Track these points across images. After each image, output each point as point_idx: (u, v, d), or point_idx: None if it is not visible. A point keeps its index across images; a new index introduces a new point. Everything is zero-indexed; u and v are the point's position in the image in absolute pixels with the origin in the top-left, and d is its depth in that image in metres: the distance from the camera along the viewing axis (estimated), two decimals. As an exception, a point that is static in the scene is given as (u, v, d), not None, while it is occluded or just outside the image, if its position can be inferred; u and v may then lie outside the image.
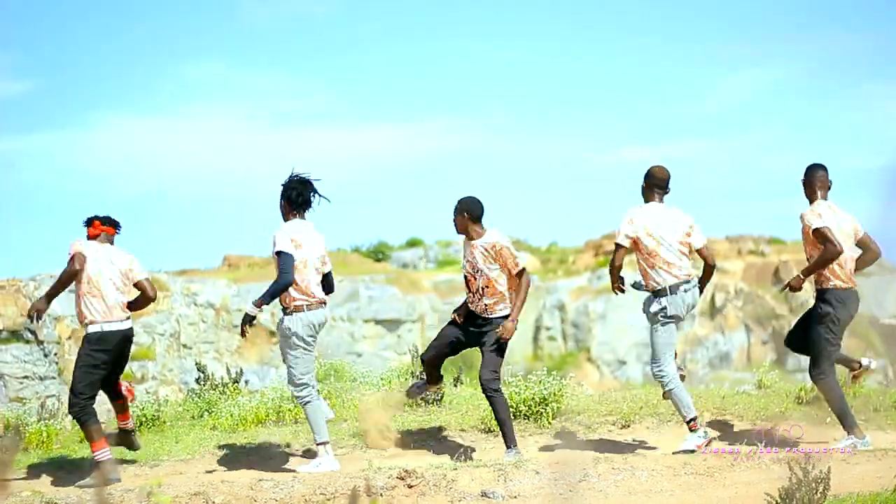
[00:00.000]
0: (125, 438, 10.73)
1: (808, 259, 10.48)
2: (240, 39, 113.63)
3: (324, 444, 10.22)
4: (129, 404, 10.81)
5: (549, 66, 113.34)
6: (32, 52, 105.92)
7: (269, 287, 10.09)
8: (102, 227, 10.50)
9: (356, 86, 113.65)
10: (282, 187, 10.38)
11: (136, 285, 10.60)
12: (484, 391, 10.36)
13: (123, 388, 10.68)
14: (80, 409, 10.21)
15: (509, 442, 10.30)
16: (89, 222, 10.51)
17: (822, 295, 10.41)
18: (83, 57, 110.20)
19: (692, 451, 10.06)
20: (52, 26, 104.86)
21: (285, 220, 10.36)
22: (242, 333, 10.23)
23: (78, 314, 10.39)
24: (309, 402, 10.21)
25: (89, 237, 10.46)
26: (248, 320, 10.07)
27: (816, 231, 10.24)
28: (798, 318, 10.96)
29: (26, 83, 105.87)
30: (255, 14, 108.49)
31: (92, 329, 10.27)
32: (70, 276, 10.23)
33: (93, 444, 10.27)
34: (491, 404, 10.40)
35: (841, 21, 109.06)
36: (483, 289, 10.38)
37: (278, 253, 10.09)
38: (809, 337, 10.49)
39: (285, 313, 10.21)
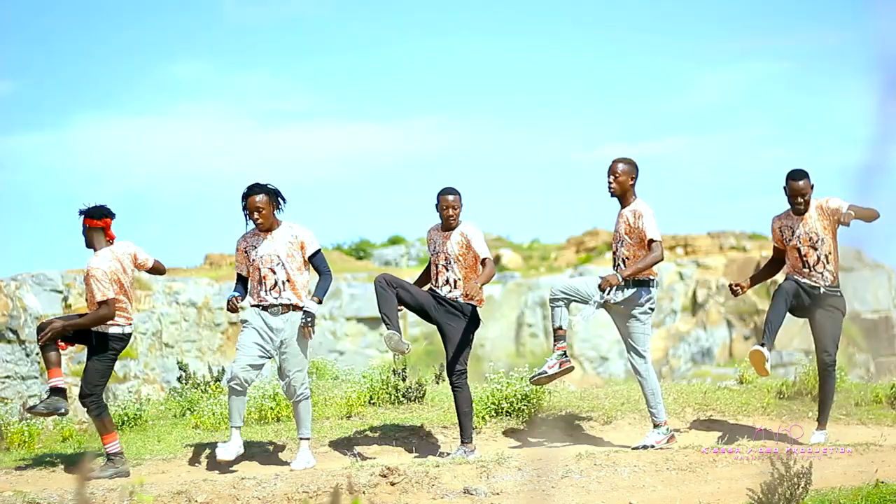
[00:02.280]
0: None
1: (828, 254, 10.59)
2: (225, 40, 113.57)
3: (309, 439, 10.40)
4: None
5: (531, 64, 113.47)
6: (16, 51, 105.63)
7: (324, 283, 10.42)
8: (107, 219, 10.44)
9: (340, 85, 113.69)
10: (274, 192, 10.29)
11: (151, 270, 10.81)
12: (451, 384, 10.58)
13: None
14: (98, 403, 10.32)
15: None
16: (100, 215, 10.35)
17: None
18: (67, 57, 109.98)
19: (652, 447, 10.20)
20: (36, 26, 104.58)
21: (276, 225, 10.33)
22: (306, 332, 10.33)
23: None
24: (308, 397, 10.46)
25: (107, 236, 10.39)
26: (314, 321, 10.29)
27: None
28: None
29: (10, 83, 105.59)
30: (240, 14, 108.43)
31: (114, 330, 10.35)
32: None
33: (107, 435, 10.35)
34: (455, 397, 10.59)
35: (825, 16, 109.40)
36: (454, 282, 10.58)
37: (319, 251, 10.41)
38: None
39: (297, 310, 10.34)
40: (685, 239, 48.89)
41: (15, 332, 23.19)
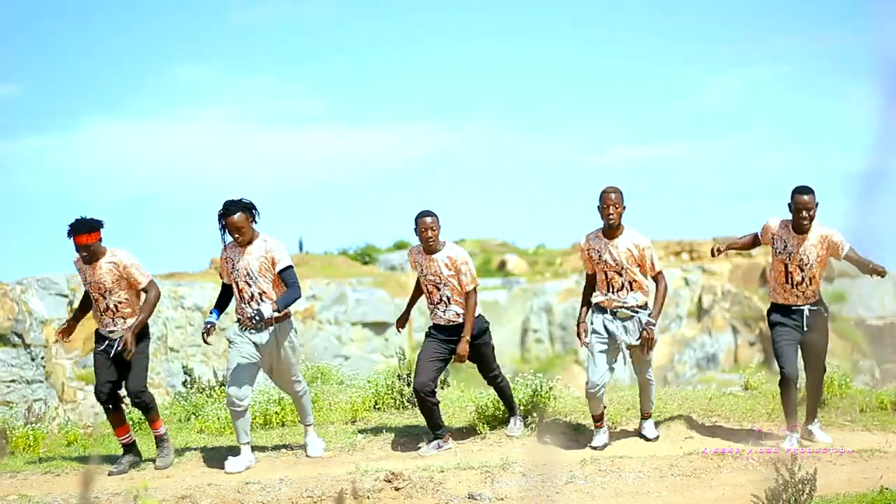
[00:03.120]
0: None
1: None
2: (229, 43, 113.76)
3: (312, 425, 10.90)
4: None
5: (537, 68, 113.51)
6: (22, 55, 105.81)
7: (288, 295, 10.31)
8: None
9: (345, 89, 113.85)
10: (248, 208, 10.38)
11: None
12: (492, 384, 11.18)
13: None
14: (150, 397, 10.63)
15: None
16: (95, 228, 10.47)
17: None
18: (73, 60, 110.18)
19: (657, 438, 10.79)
20: (42, 30, 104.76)
21: (254, 238, 10.44)
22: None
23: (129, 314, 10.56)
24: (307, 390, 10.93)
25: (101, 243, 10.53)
26: (260, 320, 10.18)
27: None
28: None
29: (16, 87, 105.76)
30: (244, 18, 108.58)
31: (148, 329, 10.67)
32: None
33: (157, 422, 10.71)
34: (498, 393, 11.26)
35: (829, 20, 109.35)
36: (448, 298, 10.78)
37: (290, 267, 10.40)
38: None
39: (283, 320, 10.45)
40: (690, 244, 48.88)
41: (20, 336, 23.17)
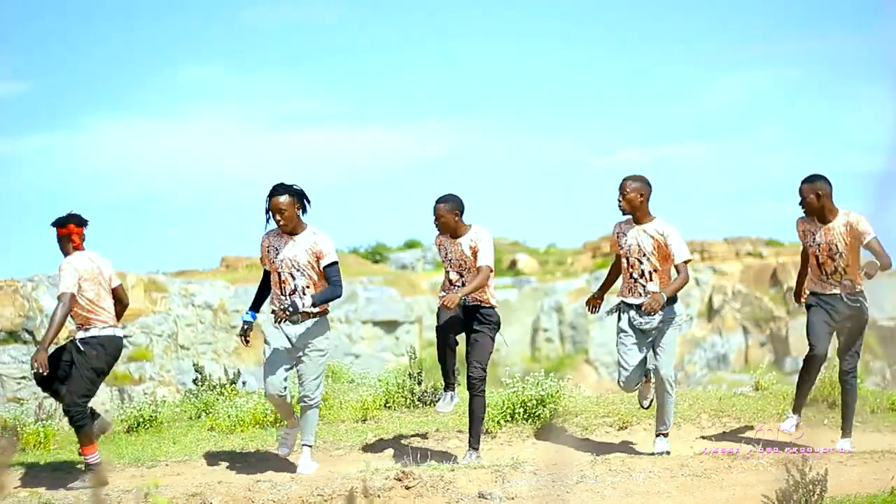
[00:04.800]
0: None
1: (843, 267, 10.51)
2: (237, 42, 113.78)
3: (311, 447, 10.35)
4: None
5: (547, 68, 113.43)
6: (29, 53, 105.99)
7: (327, 291, 10.05)
8: (78, 227, 10.29)
9: (354, 87, 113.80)
10: (298, 194, 10.12)
11: (112, 291, 10.47)
12: (470, 389, 10.52)
13: None
14: (81, 413, 10.12)
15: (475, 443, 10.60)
16: (63, 223, 10.24)
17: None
18: (80, 59, 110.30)
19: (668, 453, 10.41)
20: (49, 28, 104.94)
21: (300, 229, 10.15)
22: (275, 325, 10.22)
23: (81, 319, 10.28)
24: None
25: (73, 243, 10.24)
26: (294, 310, 10.03)
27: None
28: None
29: (23, 84, 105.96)
30: (252, 17, 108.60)
31: (93, 333, 10.20)
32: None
33: (86, 447, 10.18)
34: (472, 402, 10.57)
35: (839, 21, 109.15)
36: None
37: (335, 263, 10.11)
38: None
39: (321, 319, 10.27)
40: (702, 245, 48.82)
41: (31, 333, 23.26)
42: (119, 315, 10.48)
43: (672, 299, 10.34)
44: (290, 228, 10.07)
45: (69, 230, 10.22)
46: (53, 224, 10.24)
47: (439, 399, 10.93)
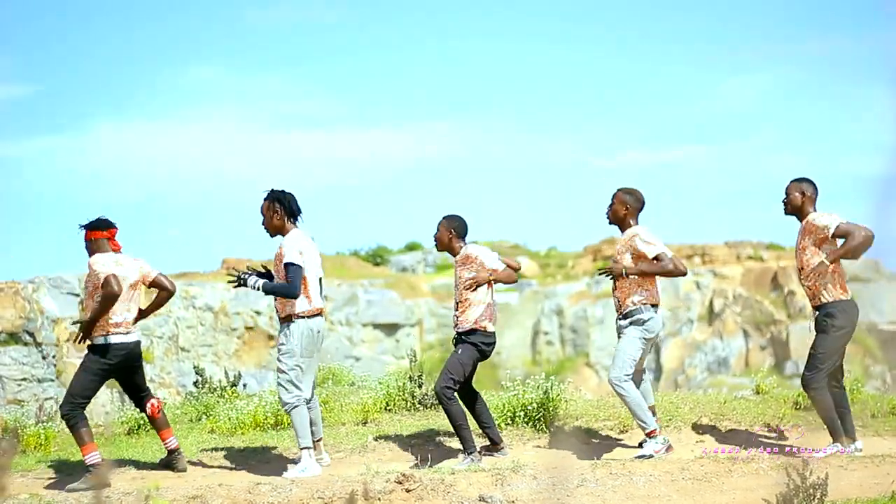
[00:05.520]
0: (168, 458, 10.78)
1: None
2: (239, 43, 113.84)
3: (307, 448, 10.26)
4: (160, 419, 10.77)
5: (549, 69, 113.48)
6: (32, 56, 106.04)
7: (279, 285, 10.12)
8: (109, 230, 10.54)
9: (355, 89, 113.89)
10: (274, 200, 10.34)
11: (152, 283, 10.78)
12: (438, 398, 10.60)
13: (148, 407, 10.72)
14: (71, 412, 10.24)
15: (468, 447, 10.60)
16: (98, 226, 10.50)
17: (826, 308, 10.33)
18: (83, 62, 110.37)
19: (650, 457, 10.27)
20: (52, 30, 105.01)
21: (283, 232, 10.34)
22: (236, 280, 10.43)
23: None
24: (297, 406, 10.23)
25: (98, 242, 10.45)
26: (243, 282, 10.29)
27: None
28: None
29: (26, 87, 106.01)
30: (254, 19, 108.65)
31: (105, 340, 10.33)
32: (111, 301, 10.24)
33: (83, 447, 10.27)
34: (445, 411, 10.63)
35: (844, 25, 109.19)
36: (457, 303, 10.78)
37: (291, 264, 10.12)
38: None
39: (288, 322, 10.27)
40: (702, 248, 48.85)
41: (31, 335, 23.22)
42: (162, 303, 10.97)
43: (641, 308, 10.47)
44: (270, 231, 10.42)
45: (100, 234, 10.50)
46: (83, 226, 10.53)
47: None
